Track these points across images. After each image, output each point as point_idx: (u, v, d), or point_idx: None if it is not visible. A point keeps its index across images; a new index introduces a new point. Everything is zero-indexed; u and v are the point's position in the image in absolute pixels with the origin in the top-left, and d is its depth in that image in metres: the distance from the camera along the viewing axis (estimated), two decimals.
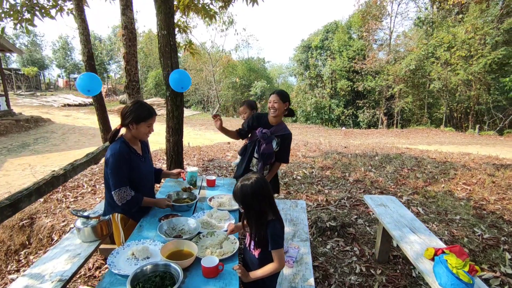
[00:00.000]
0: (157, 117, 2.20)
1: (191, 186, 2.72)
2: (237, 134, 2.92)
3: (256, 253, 1.63)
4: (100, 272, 3.02)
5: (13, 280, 3.02)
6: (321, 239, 3.35)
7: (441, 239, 3.10)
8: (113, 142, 2.06)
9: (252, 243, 1.63)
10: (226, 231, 1.92)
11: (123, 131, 2.16)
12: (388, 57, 18.77)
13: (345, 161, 6.12)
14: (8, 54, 21.47)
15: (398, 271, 2.88)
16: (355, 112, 20.19)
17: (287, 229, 2.73)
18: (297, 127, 15.61)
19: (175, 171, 2.63)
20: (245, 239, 1.82)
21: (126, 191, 2.00)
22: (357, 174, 5.24)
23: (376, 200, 3.07)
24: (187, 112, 20.10)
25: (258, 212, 1.55)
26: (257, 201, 1.53)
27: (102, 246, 2.73)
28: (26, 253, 3.59)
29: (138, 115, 2.04)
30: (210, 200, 2.45)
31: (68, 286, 2.90)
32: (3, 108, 12.84)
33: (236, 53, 25.79)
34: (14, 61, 37.00)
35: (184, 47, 5.84)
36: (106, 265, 2.94)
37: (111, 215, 2.17)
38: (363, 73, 19.25)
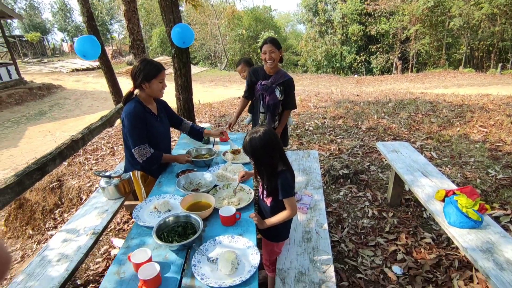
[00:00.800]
0: (166, 76, 2.18)
1: (235, 148, 2.62)
2: (245, 100, 2.95)
3: (268, 201, 1.71)
4: (127, 225, 3.27)
5: (52, 235, 3.32)
6: (334, 186, 3.45)
7: (453, 181, 3.14)
8: (128, 102, 2.08)
9: (264, 192, 1.70)
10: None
11: (136, 92, 2.17)
12: None
13: (357, 109, 6.03)
14: (9, 20, 21.03)
15: (409, 213, 2.98)
16: (367, 58, 19.27)
17: (300, 178, 2.81)
18: (307, 78, 15.20)
19: (216, 131, 2.60)
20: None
21: (145, 148, 2.06)
22: (369, 122, 5.19)
23: (389, 146, 3.08)
24: (195, 69, 19.74)
25: (268, 163, 1.59)
26: (266, 153, 1.56)
27: (126, 203, 2.92)
28: (60, 211, 3.89)
29: (148, 72, 2.02)
30: (224, 154, 2.52)
31: (101, 238, 3.17)
32: (14, 77, 12.95)
33: (241, 2, 24.45)
34: (16, 27, 36.30)
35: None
36: (132, 219, 3.17)
37: (131, 174, 2.28)
38: (376, 15, 17.97)
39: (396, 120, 5.25)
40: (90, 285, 2.54)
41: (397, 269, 2.37)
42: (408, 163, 2.72)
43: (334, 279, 1.77)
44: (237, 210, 1.75)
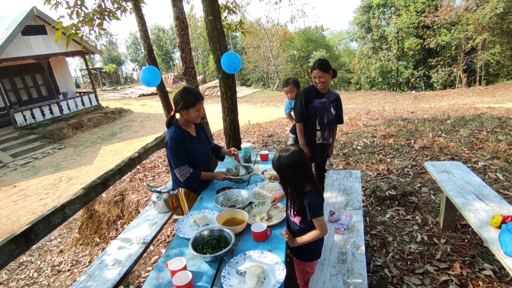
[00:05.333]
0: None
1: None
2: (302, 124, 3.00)
3: (297, 220, 1.74)
4: None
5: None
6: (379, 208, 3.30)
7: None
8: (170, 127, 2.34)
9: (292, 210, 1.75)
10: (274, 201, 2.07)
11: (178, 116, 2.42)
12: (467, 3, 16.06)
13: (410, 127, 5.69)
14: (92, 55, 24.58)
15: (466, 240, 2.71)
16: (426, 72, 17.99)
17: (340, 198, 2.77)
18: (360, 95, 14.75)
19: (228, 151, 2.79)
20: None
21: (185, 169, 2.28)
22: (423, 141, 4.86)
23: (439, 166, 2.88)
24: (248, 91, 20.55)
25: (293, 182, 1.64)
26: (293, 172, 1.62)
27: (175, 217, 3.17)
28: (121, 223, 4.33)
29: (187, 101, 2.25)
30: (262, 173, 2.62)
31: (152, 248, 3.46)
32: (94, 103, 14.94)
33: (292, 24, 25.05)
34: (97, 61, 41.88)
35: (235, 28, 5.97)
36: None
37: (177, 190, 2.51)
38: (435, 27, 16.87)
39: (455, 138, 4.83)
40: None
41: None
42: (460, 184, 2.52)
43: None
44: (269, 226, 1.81)
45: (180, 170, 2.28)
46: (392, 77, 18.78)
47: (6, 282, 3.87)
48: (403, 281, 2.37)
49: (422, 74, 18.10)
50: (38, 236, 1.57)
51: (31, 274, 3.92)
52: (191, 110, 2.27)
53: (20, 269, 4.15)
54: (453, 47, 16.60)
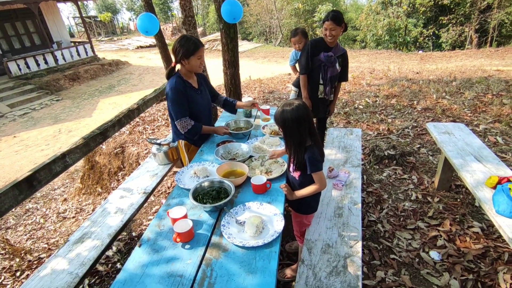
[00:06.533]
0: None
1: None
2: (306, 76, 2.89)
3: (296, 175, 1.76)
4: None
5: None
6: (377, 166, 3.34)
7: None
8: (170, 78, 2.26)
9: (291, 165, 1.75)
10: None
11: (178, 67, 2.33)
12: None
13: (414, 88, 5.57)
14: (85, 1, 23.14)
15: (458, 200, 2.79)
16: (436, 31, 17.13)
17: (340, 155, 2.79)
18: (365, 54, 14.23)
19: (248, 102, 2.67)
20: None
21: (186, 121, 2.25)
22: (426, 102, 4.79)
23: (441, 127, 2.86)
24: (249, 45, 19.75)
25: (297, 137, 1.62)
26: (297, 126, 1.59)
27: (175, 169, 3.21)
28: (122, 174, 4.41)
29: (186, 49, 2.14)
30: (263, 128, 2.60)
31: (153, 199, 3.56)
32: (90, 54, 14.39)
33: None
34: (91, 8, 39.60)
35: None
36: None
37: (177, 142, 2.50)
38: None
39: (459, 100, 4.76)
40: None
41: (435, 254, 2.28)
42: (460, 146, 2.52)
43: (360, 255, 1.79)
44: (269, 180, 1.84)
45: (181, 122, 2.24)
46: (400, 35, 17.95)
47: (14, 226, 4.04)
48: (394, 235, 2.47)
49: (431, 33, 17.29)
50: (40, 183, 1.59)
51: (37, 220, 4.08)
52: (191, 58, 2.17)
53: (27, 215, 4.31)
54: (468, 4, 15.67)
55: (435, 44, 17.35)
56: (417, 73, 7.22)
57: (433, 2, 16.50)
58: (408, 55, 13.32)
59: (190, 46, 2.14)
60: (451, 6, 16.28)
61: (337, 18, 2.59)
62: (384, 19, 17.78)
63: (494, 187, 1.99)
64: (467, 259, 2.20)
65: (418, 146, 3.61)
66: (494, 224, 1.79)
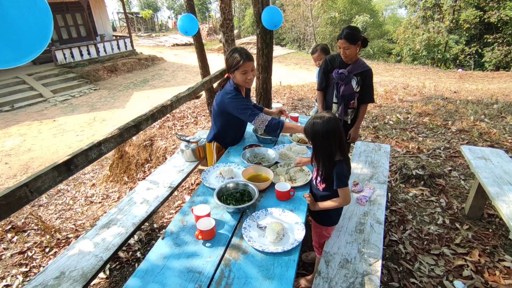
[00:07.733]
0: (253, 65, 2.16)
1: None
2: (321, 93, 2.83)
3: (321, 187, 1.74)
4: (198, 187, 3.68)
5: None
6: (403, 185, 3.24)
7: None
8: (225, 85, 2.23)
9: (318, 178, 1.74)
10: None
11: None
12: None
13: (450, 107, 5.34)
14: None
15: (490, 230, 2.64)
16: (480, 50, 16.31)
17: (366, 170, 2.73)
18: (400, 68, 13.83)
19: (276, 109, 2.62)
20: None
21: (262, 116, 2.09)
22: (462, 124, 4.57)
23: (477, 152, 2.72)
24: (282, 51, 19.83)
25: (327, 150, 1.60)
26: (327, 140, 1.57)
27: (200, 167, 3.28)
28: (149, 166, 4.57)
29: (230, 64, 2.12)
30: (291, 135, 2.61)
31: (176, 193, 3.65)
32: (129, 48, 15.08)
33: None
34: (135, 5, 41.40)
35: None
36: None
37: (206, 142, 2.55)
38: None
39: (499, 125, 4.50)
40: (163, 230, 3.00)
41: (460, 284, 2.17)
42: (498, 173, 2.39)
43: (379, 274, 1.75)
44: (293, 188, 1.84)
45: (259, 118, 2.07)
46: (439, 51, 17.26)
47: (46, 204, 4.29)
48: (416, 258, 2.38)
49: (474, 52, 16.49)
50: (77, 167, 1.69)
51: (67, 201, 4.32)
52: (235, 73, 2.12)
53: (58, 195, 4.57)
54: None
55: (477, 63, 16.52)
56: (455, 92, 6.92)
57: (478, 19, 15.76)
58: (446, 72, 12.80)
59: (233, 61, 2.10)
60: (499, 25, 15.46)
61: (351, 36, 2.40)
62: (423, 34, 17.20)
63: None
64: None
65: (450, 168, 3.46)
66: None
